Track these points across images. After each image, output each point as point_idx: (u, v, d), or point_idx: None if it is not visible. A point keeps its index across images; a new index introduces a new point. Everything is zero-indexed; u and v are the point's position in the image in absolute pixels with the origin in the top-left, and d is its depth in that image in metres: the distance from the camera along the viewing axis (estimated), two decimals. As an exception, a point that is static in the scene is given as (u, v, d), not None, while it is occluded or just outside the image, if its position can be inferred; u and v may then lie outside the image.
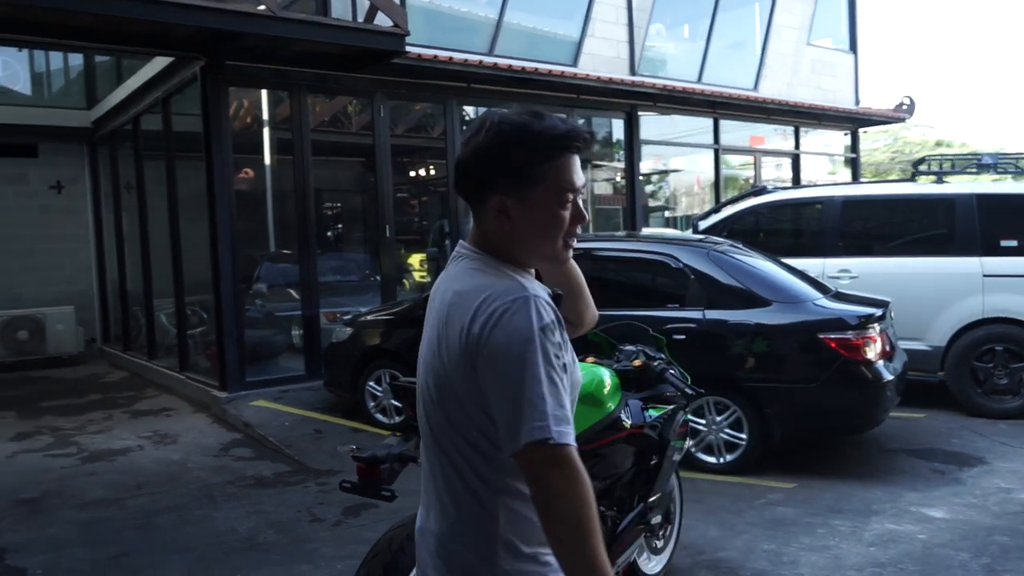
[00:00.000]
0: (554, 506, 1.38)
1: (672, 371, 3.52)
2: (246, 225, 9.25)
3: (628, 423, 3.24)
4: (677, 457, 3.48)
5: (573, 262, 1.75)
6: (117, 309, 11.57)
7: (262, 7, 6.88)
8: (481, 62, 8.82)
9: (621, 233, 9.51)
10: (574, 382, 1.54)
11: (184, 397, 8.55)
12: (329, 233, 11.49)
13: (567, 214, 1.55)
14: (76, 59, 12.09)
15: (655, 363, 3.47)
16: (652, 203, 13.65)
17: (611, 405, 3.19)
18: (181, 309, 8.98)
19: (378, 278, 8.95)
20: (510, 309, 1.45)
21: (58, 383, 10.01)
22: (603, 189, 12.26)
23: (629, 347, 3.68)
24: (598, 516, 1.41)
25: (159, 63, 8.56)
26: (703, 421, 5.62)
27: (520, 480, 1.46)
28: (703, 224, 8.26)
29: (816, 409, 5.44)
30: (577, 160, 1.55)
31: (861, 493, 5.09)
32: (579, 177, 1.55)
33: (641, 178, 13.41)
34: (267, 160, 9.78)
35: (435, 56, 8.42)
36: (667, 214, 13.74)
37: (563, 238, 1.57)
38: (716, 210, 8.52)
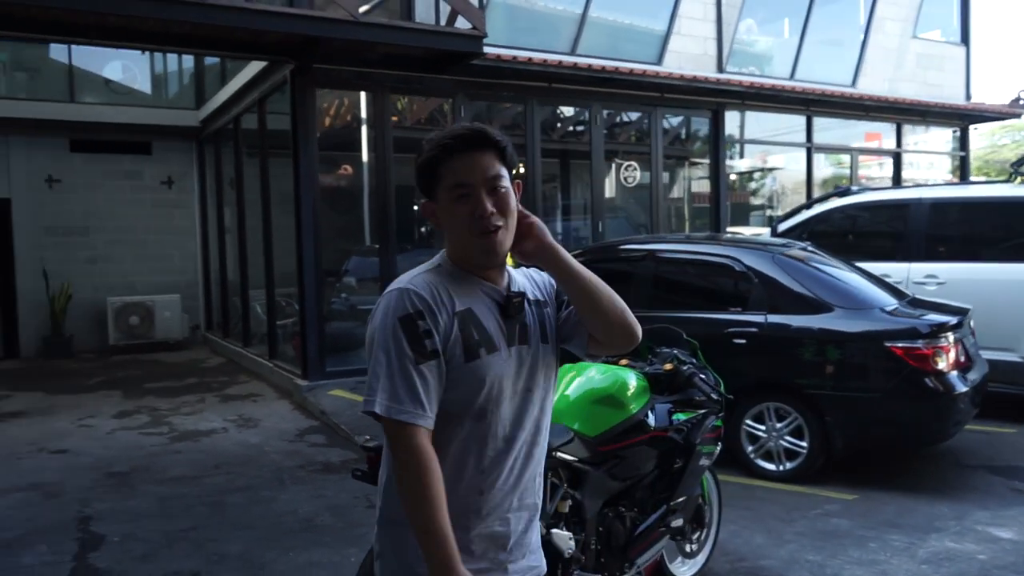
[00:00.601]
0: (396, 475, 1.59)
1: (703, 376, 3.51)
2: (344, 220, 9.65)
3: (652, 425, 3.26)
4: (706, 462, 3.47)
5: (594, 277, 1.75)
6: (218, 298, 12.27)
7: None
8: (561, 62, 8.89)
9: (682, 234, 9.38)
10: (480, 375, 1.64)
11: (271, 384, 9.02)
12: (423, 229, 11.80)
13: (465, 207, 1.64)
14: (188, 61, 12.87)
15: (685, 367, 3.47)
16: (753, 201, 13.40)
17: (634, 407, 3.23)
18: (272, 299, 9.45)
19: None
20: (383, 299, 1.67)
21: (162, 366, 10.72)
22: (695, 188, 12.10)
23: (665, 350, 3.69)
24: (436, 485, 1.55)
25: (256, 66, 9.04)
26: (763, 427, 5.53)
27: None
28: (783, 226, 8.07)
29: (881, 420, 5.26)
30: (474, 158, 1.64)
31: (925, 508, 4.90)
32: (471, 173, 1.64)
33: (734, 177, 13.20)
34: (365, 157, 10.07)
35: (514, 57, 8.54)
36: (768, 213, 13.42)
37: (472, 230, 1.64)
38: (797, 211, 8.29)
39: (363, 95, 8.85)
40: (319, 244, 8.16)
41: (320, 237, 8.17)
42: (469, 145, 1.65)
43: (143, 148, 12.59)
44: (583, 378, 3.31)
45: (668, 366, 3.51)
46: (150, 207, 12.64)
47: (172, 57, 12.74)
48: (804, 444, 5.39)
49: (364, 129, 9.31)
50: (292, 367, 8.66)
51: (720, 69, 10.76)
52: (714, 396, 3.42)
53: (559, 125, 11.07)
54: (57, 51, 11.92)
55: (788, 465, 5.46)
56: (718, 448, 3.64)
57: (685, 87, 10.06)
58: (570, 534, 2.93)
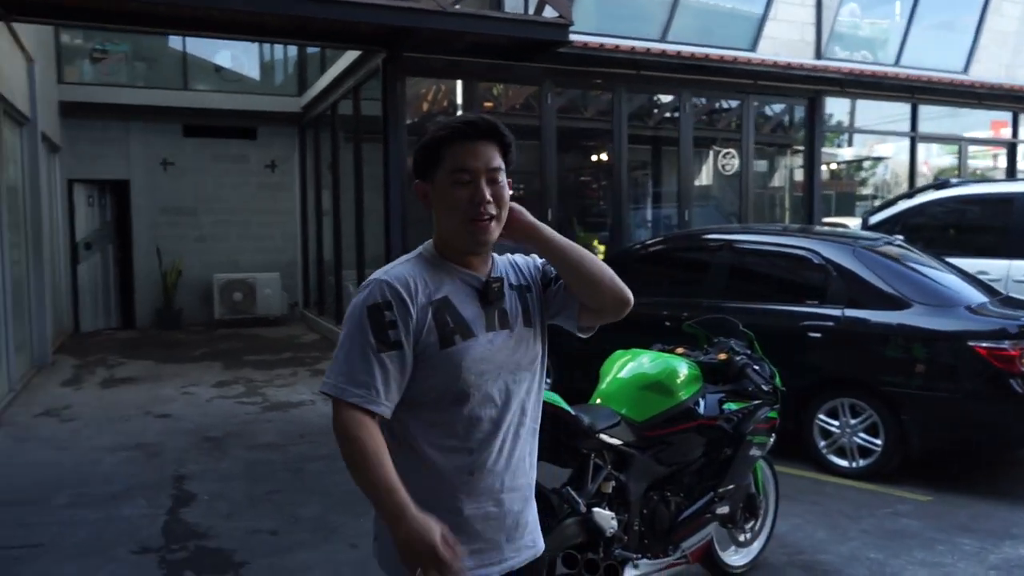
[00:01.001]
0: (344, 453, 1.65)
1: (756, 367, 3.52)
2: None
3: (702, 413, 3.31)
4: (757, 452, 3.49)
5: (572, 242, 1.80)
6: (315, 277, 12.82)
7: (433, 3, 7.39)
8: (649, 50, 8.85)
9: (761, 225, 9.16)
10: (456, 360, 1.69)
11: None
12: (534, 214, 11.87)
13: (463, 193, 1.68)
14: (291, 50, 13.43)
15: (738, 358, 3.49)
16: (862, 191, 12.98)
17: (684, 395, 3.28)
18: (362, 278, 9.84)
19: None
20: (360, 288, 1.74)
21: (261, 340, 11.32)
22: (789, 177, 11.80)
23: (722, 340, 3.72)
24: (377, 448, 1.61)
25: (352, 55, 9.39)
26: (836, 423, 5.43)
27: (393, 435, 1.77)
28: (876, 218, 7.82)
29: (961, 421, 5.09)
30: (479, 147, 1.69)
31: (1003, 514, 4.73)
32: (476, 160, 1.68)
33: (835, 166, 12.80)
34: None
35: (601, 44, 8.56)
36: (876, 203, 12.96)
37: (466, 215, 1.69)
38: (891, 204, 8.01)
39: (452, 83, 9.06)
40: (406, 226, 8.44)
41: (407, 220, 8.45)
42: (478, 133, 1.69)
43: (249, 133, 13.25)
44: (634, 363, 3.39)
45: (722, 356, 3.54)
46: (254, 189, 13.30)
47: (277, 46, 13.30)
48: (878, 442, 5.26)
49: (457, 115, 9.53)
50: (379, 346, 9.00)
51: (818, 55, 10.43)
52: (765, 388, 3.42)
53: (655, 111, 11.01)
54: (173, 42, 12.66)
55: (861, 462, 5.35)
56: (771, 439, 3.64)
57: (780, 74, 9.83)
58: (612, 514, 3.02)
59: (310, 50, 12.72)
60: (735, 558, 3.81)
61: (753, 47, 10.08)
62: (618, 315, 1.86)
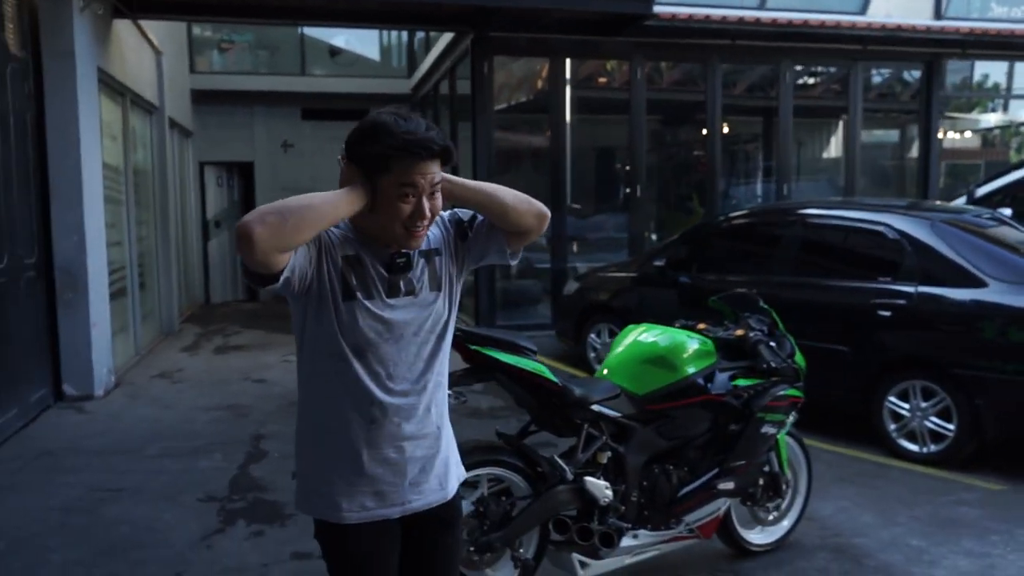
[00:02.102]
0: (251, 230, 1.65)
1: (772, 344, 3.46)
2: (525, 180, 10.09)
3: (709, 389, 3.30)
4: (770, 430, 3.43)
5: (485, 184, 1.92)
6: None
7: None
8: (742, 18, 8.56)
9: (836, 199, 8.65)
10: (351, 315, 1.81)
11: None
12: (627, 190, 11.87)
13: (406, 207, 1.77)
14: (403, 33, 13.86)
15: (752, 334, 3.44)
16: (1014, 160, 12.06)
17: (690, 370, 3.28)
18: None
19: (626, 236, 9.25)
20: None
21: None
22: (908, 148, 11.11)
23: (747, 316, 3.67)
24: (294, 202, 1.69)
25: (448, 37, 9.63)
26: (907, 406, 5.19)
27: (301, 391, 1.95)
28: (982, 190, 7.29)
29: (1041, 408, 4.74)
30: (428, 164, 1.75)
31: (1082, 509, 4.39)
32: (425, 178, 1.76)
33: (967, 134, 11.96)
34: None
35: (690, 15, 8.38)
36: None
37: (404, 226, 1.78)
38: (1000, 175, 7.43)
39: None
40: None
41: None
42: (431, 155, 1.75)
43: (362, 115, 13.74)
44: (639, 337, 3.42)
45: (739, 332, 3.50)
46: (369, 170, 13.86)
47: (389, 31, 13.77)
48: (951, 427, 4.99)
49: (556, 93, 9.59)
50: (469, 319, 9.28)
51: (938, 15, 9.72)
52: (774, 364, 3.36)
53: (753, 82, 10.64)
54: (292, 31, 13.36)
55: (932, 447, 5.09)
56: (790, 418, 3.57)
57: (892, 37, 9.25)
58: (606, 484, 3.09)
59: (419, 34, 13.11)
60: (757, 536, 3.77)
61: (863, 10, 9.52)
62: (541, 230, 1.99)
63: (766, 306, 3.67)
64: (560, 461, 3.05)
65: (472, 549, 2.94)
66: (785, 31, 8.79)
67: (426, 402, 1.93)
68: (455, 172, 1.94)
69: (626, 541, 3.20)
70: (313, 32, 13.38)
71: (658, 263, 6.65)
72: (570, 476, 3.03)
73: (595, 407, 3.10)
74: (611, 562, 3.20)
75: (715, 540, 3.66)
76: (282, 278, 1.72)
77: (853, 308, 5.43)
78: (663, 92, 10.13)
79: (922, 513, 4.34)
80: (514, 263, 2.07)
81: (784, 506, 3.84)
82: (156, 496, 4.51)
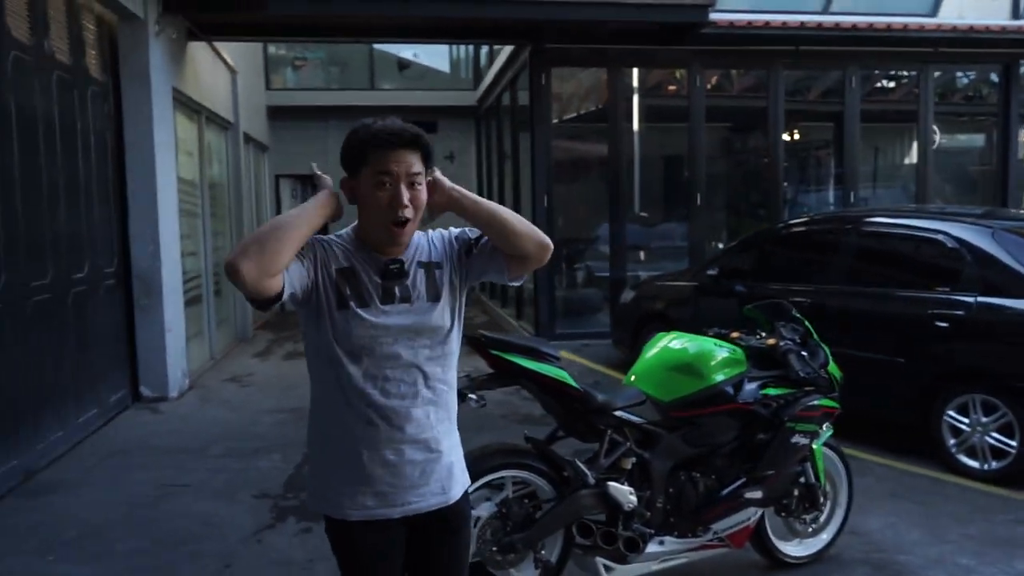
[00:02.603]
0: (238, 259, 1.77)
1: (803, 353, 3.44)
2: (586, 189, 10.15)
3: (736, 397, 3.31)
4: (801, 440, 3.40)
5: (492, 203, 2.02)
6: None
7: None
8: (803, 23, 8.44)
9: (893, 206, 8.41)
10: (346, 324, 1.91)
11: (514, 342, 9.83)
12: (699, 198, 11.72)
13: (383, 195, 1.87)
14: (471, 47, 14.13)
15: (783, 343, 3.43)
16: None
17: (717, 377, 3.29)
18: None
19: (686, 244, 9.20)
20: None
21: (434, 321, 12.08)
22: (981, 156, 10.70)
23: (783, 325, 3.65)
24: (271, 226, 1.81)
25: (508, 50, 9.79)
26: (967, 420, 5.02)
27: (313, 394, 2.03)
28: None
29: (1109, 424, 4.53)
30: (402, 153, 1.87)
31: None
32: (399, 166, 1.86)
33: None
34: (636, 128, 10.28)
35: (749, 22, 8.31)
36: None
37: (387, 217, 1.88)
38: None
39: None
40: (551, 212, 8.71)
41: (552, 206, 8.72)
42: (402, 142, 1.87)
43: (430, 127, 14.07)
44: (667, 345, 3.45)
45: (771, 341, 3.49)
46: (435, 180, 14.16)
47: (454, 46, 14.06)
48: (1014, 443, 4.81)
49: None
50: (529, 327, 9.38)
51: (1016, 15, 9.35)
52: (802, 374, 3.33)
53: (817, 88, 10.43)
54: (361, 47, 13.78)
55: (994, 464, 4.91)
56: (824, 428, 3.53)
57: (967, 39, 8.94)
58: (630, 489, 3.13)
59: (483, 46, 13.35)
60: (793, 548, 3.74)
61: (934, 11, 9.25)
62: (542, 260, 2.05)
63: (799, 315, 3.64)
64: (582, 465, 3.10)
65: (495, 549, 3.03)
66: (852, 35, 8.61)
67: (425, 407, 1.98)
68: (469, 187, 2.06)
69: (652, 547, 3.23)
70: (382, 48, 13.77)
71: (711, 272, 6.61)
72: (591, 480, 3.08)
73: (618, 413, 3.15)
74: (637, 567, 3.23)
75: (749, 550, 3.65)
76: (286, 295, 1.84)
77: (909, 318, 5.30)
78: (731, 99, 10.05)
79: (976, 531, 4.20)
80: (516, 284, 2.16)
81: (823, 519, 3.80)
82: (215, 493, 4.76)
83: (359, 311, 1.91)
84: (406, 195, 1.87)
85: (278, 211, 13.81)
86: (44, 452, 5.21)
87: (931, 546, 4.03)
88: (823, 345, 3.61)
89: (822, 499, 3.72)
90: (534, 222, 7.44)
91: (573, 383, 3.07)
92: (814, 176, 10.88)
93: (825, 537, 3.81)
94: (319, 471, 2.04)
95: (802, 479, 3.64)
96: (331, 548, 2.07)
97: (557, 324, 8.87)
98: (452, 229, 2.10)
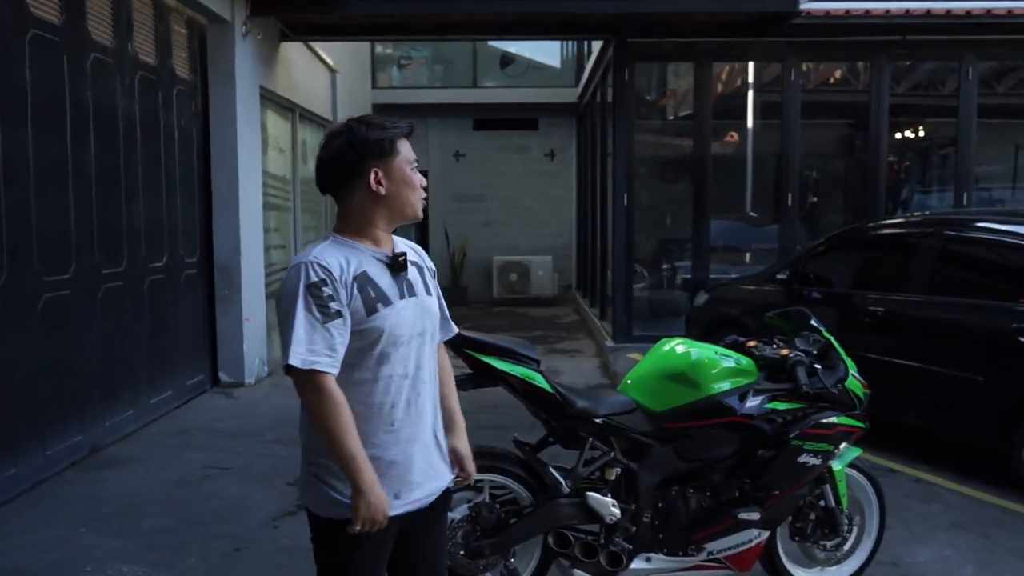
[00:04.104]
0: (310, 415, 1.92)
1: (817, 366, 3.16)
2: (671, 189, 9.87)
3: (737, 410, 3.09)
4: (811, 460, 3.12)
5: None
6: (587, 260, 13.32)
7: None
8: (908, 11, 7.81)
9: (984, 209, 7.56)
10: (380, 325, 1.96)
11: (596, 343, 9.69)
12: (814, 199, 11.18)
13: (417, 177, 2.06)
14: (572, 43, 14.02)
15: (793, 355, 3.17)
16: None
17: (714, 388, 3.08)
18: (604, 263, 10.07)
19: (775, 246, 8.75)
20: (290, 271, 1.98)
21: (525, 318, 12.11)
22: None
23: (808, 335, 3.39)
24: (348, 418, 1.87)
25: (598, 45, 9.63)
26: (1050, 448, 4.51)
27: None
28: None
29: None
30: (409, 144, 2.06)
31: None
32: (415, 154, 2.08)
33: None
34: (750, 125, 9.80)
35: (847, 11, 7.78)
36: None
37: (419, 193, 2.07)
38: None
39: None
40: (631, 212, 8.50)
41: (632, 206, 8.50)
42: (409, 133, 2.08)
43: (531, 124, 14.14)
44: (665, 352, 3.26)
45: (784, 352, 3.23)
46: (535, 177, 14.18)
47: (553, 43, 13.98)
48: (1105, 476, 4.28)
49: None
50: (609, 326, 9.20)
51: None
52: (806, 388, 3.06)
53: (929, 80, 9.65)
54: (465, 45, 13.94)
55: (1082, 499, 4.39)
56: (841, 448, 3.24)
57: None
58: (612, 501, 2.99)
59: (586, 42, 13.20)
60: (803, 573, 3.46)
61: (1066, -6, 8.33)
62: None
63: (818, 324, 3.35)
64: (555, 473, 2.99)
65: (463, 553, 2.97)
66: (967, 23, 7.91)
67: (431, 401, 2.10)
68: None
69: (638, 563, 3.08)
70: (484, 45, 13.88)
71: (781, 276, 6.24)
72: (565, 489, 2.96)
73: (600, 420, 3.01)
74: (621, 584, 3.08)
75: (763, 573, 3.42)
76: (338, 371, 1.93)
77: (990, 332, 4.81)
78: (829, 93, 9.47)
79: (1038, 571, 3.76)
80: None
81: (848, 547, 3.49)
82: (255, 477, 4.93)
83: (387, 311, 1.98)
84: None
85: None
86: (112, 429, 5.56)
87: (980, 585, 3.64)
88: (846, 358, 3.31)
89: (846, 525, 3.42)
90: (613, 222, 7.18)
91: (546, 386, 2.96)
92: (923, 176, 10.09)
93: (848, 568, 3.51)
94: (332, 475, 1.97)
95: (822, 503, 3.37)
96: (324, 549, 2.05)
97: (635, 326, 8.64)
98: (428, 260, 2.27)
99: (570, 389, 3.07)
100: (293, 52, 8.94)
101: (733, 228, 10.24)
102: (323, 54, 10.09)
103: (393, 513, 1.97)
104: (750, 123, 9.56)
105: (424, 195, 2.09)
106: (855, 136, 9.87)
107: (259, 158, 7.73)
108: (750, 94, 9.48)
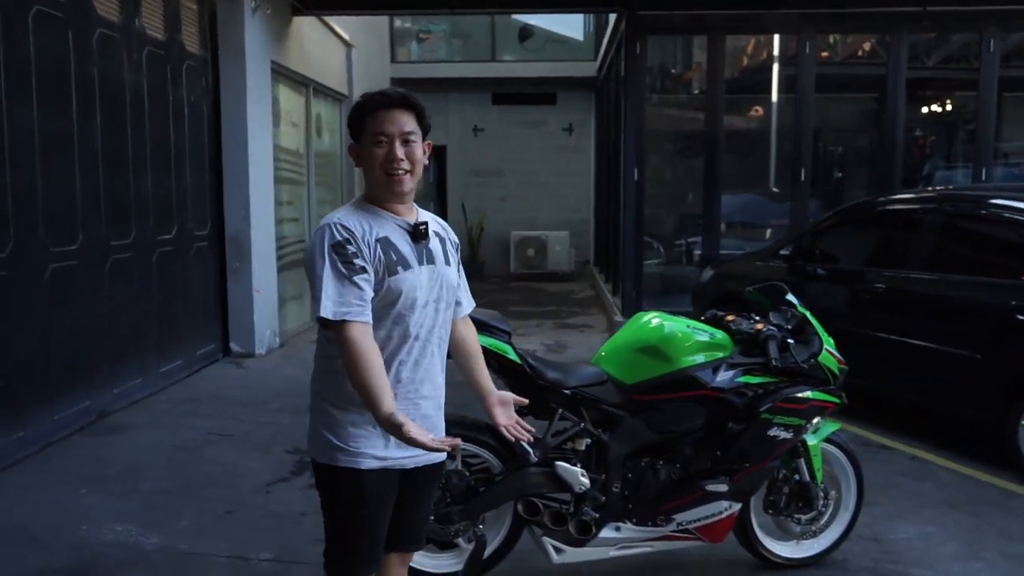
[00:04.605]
0: (348, 366, 1.99)
1: (790, 340, 3.16)
2: (707, 164, 9.79)
3: (708, 383, 3.11)
4: (780, 434, 3.13)
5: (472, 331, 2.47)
6: (603, 235, 13.29)
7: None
8: (926, -19, 7.64)
9: (987, 184, 7.38)
10: (398, 287, 2.06)
11: (606, 317, 9.70)
12: (839, 174, 11.04)
13: (380, 152, 2.07)
14: (592, 16, 13.88)
15: (767, 329, 3.17)
16: None
17: (685, 361, 3.10)
18: (624, 239, 10.03)
19: (786, 223, 8.67)
20: (316, 232, 2.09)
21: (540, 294, 12.14)
22: None
23: (783, 309, 3.39)
24: (376, 367, 1.96)
25: (613, 17, 9.54)
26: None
27: (326, 352, 2.14)
28: None
29: None
30: (393, 114, 2.06)
31: None
32: (391, 125, 2.06)
33: None
34: (774, 99, 9.61)
35: (863, -19, 7.62)
36: None
37: (383, 170, 2.07)
38: None
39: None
40: (642, 187, 8.46)
41: (643, 181, 8.46)
42: (391, 103, 2.08)
43: (549, 99, 14.07)
44: (638, 325, 3.29)
45: (759, 326, 3.24)
46: (552, 152, 14.14)
47: (576, 16, 13.85)
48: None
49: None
50: (619, 302, 9.21)
51: None
52: (776, 363, 3.06)
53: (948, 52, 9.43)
54: (483, 18, 13.86)
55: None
56: (814, 423, 3.24)
57: None
58: (581, 471, 3.04)
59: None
60: (785, 549, 3.49)
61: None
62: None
63: (793, 299, 3.35)
64: (524, 443, 3.03)
65: (432, 518, 3.04)
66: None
67: (440, 364, 2.23)
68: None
69: (608, 532, 3.12)
70: (504, 19, 13.79)
71: (784, 252, 6.20)
72: (533, 459, 3.01)
73: (569, 392, 3.05)
74: (591, 552, 3.13)
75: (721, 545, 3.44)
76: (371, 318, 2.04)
77: (988, 308, 4.75)
78: (844, 67, 9.30)
79: (1022, 551, 3.74)
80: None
81: (824, 521, 3.51)
82: (254, 445, 5.05)
83: (406, 274, 2.08)
84: (400, 150, 2.07)
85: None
86: (121, 396, 5.72)
87: (959, 562, 3.63)
88: (822, 333, 3.31)
89: (821, 499, 3.44)
90: (624, 198, 7.18)
91: (515, 358, 3.00)
92: (949, 152, 9.89)
93: (824, 542, 3.53)
94: (338, 424, 2.11)
95: (796, 476, 3.39)
96: (329, 498, 2.19)
97: (645, 301, 8.63)
98: (452, 234, 2.36)
99: (541, 361, 3.11)
100: (306, 27, 8.98)
101: (752, 203, 10.19)
102: (338, 28, 10.10)
103: (402, 467, 2.14)
104: (775, 97, 9.45)
105: (398, 170, 2.07)
106: (881, 111, 9.71)
107: (270, 132, 7.80)
108: (775, 67, 9.36)
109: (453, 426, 3.11)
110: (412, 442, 1.91)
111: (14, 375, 4.62)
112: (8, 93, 4.54)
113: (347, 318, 1.97)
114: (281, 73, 8.26)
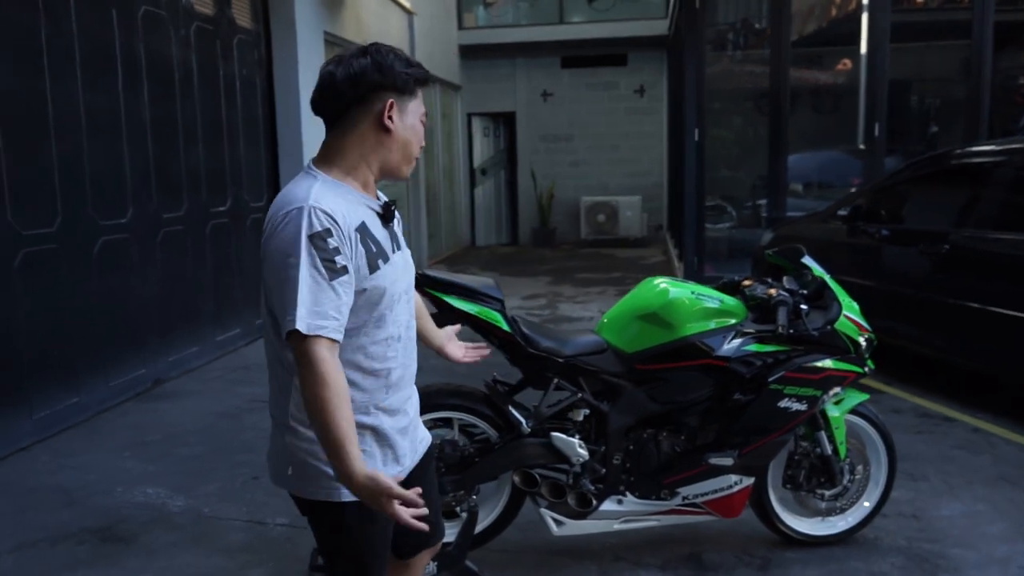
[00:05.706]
0: (304, 387, 1.61)
1: (804, 306, 2.95)
2: (773, 122, 9.36)
3: (715, 351, 2.95)
4: (792, 405, 2.93)
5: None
6: (677, 200, 12.94)
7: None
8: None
9: None
10: (381, 285, 1.75)
11: (671, 284, 9.46)
12: (934, 129, 10.41)
13: (421, 128, 1.84)
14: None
15: (779, 294, 2.97)
16: None
17: (689, 329, 2.95)
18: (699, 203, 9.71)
19: (856, 182, 8.20)
20: (286, 218, 1.65)
21: (609, 260, 11.94)
22: None
23: (806, 274, 3.18)
24: (346, 401, 1.61)
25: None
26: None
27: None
28: None
29: None
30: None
31: None
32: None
33: None
34: (864, 51, 9.17)
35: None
36: None
37: (416, 149, 1.83)
38: None
39: None
40: (702, 148, 8.15)
41: (703, 142, 8.15)
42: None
43: (619, 60, 13.70)
44: (641, 292, 3.15)
45: (772, 291, 3.04)
46: (623, 115, 13.79)
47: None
48: None
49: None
50: (681, 266, 8.95)
51: None
52: (783, 330, 2.86)
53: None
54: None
55: None
56: (828, 394, 3.03)
57: None
58: (579, 442, 2.95)
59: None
60: (808, 526, 3.31)
61: None
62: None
63: (810, 262, 3.13)
64: (516, 413, 2.96)
65: (426, 489, 3.01)
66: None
67: (412, 358, 1.94)
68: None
69: (609, 505, 3.03)
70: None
71: (842, 212, 5.85)
72: (526, 429, 2.94)
73: (563, 360, 2.95)
74: (592, 524, 3.05)
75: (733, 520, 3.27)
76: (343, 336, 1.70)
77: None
78: (923, 12, 8.65)
79: (1081, 532, 3.44)
80: None
81: (850, 497, 3.31)
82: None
83: (385, 268, 1.78)
84: None
85: (470, 150, 14.22)
86: (177, 364, 5.94)
87: (1006, 543, 3.37)
88: (843, 298, 3.08)
89: (846, 475, 3.24)
90: (683, 160, 6.95)
91: (504, 326, 2.92)
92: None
93: (850, 519, 3.33)
94: (312, 453, 1.75)
95: (817, 450, 3.20)
96: (334, 536, 1.87)
97: (708, 265, 8.37)
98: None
99: (536, 329, 3.02)
100: (365, -4, 8.99)
101: (833, 161, 9.73)
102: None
103: (401, 477, 1.79)
104: (864, 48, 8.88)
105: (418, 155, 1.86)
106: (967, 58, 9.00)
107: (324, 103, 7.86)
108: (863, 17, 8.80)
109: (450, 396, 3.10)
110: (394, 516, 1.57)
111: (67, 344, 4.85)
112: (52, 71, 4.70)
113: (323, 334, 1.60)
114: (336, 44, 8.30)
